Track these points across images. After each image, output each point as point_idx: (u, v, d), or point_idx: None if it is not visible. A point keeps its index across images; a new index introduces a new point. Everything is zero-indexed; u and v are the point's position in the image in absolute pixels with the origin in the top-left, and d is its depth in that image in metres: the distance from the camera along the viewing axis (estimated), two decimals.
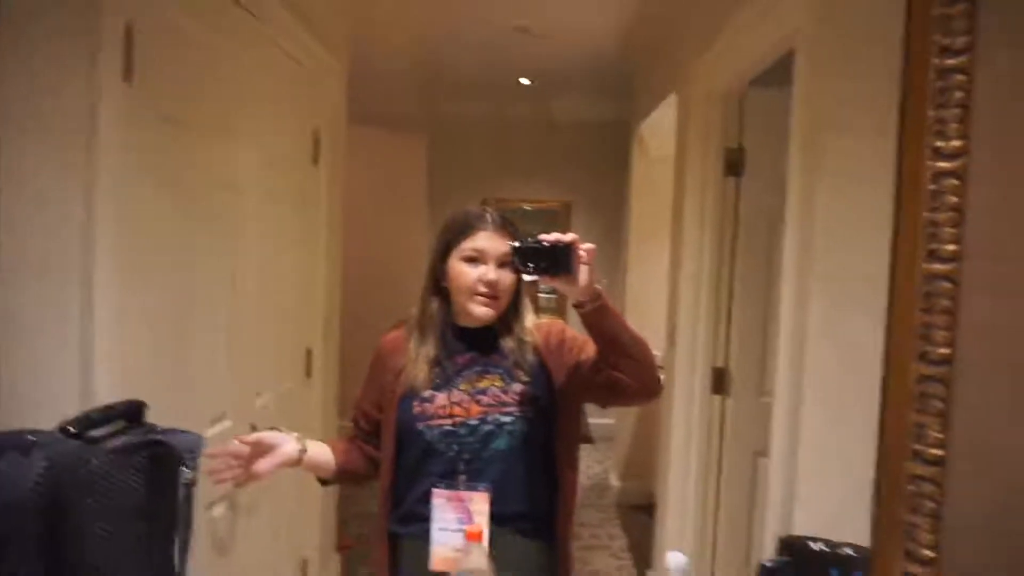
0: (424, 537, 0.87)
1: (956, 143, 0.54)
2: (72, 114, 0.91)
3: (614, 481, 3.29)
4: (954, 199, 0.53)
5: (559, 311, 3.34)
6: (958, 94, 0.54)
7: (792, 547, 0.85)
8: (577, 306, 0.85)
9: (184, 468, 0.84)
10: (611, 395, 0.88)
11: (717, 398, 2.00)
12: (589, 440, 3.69)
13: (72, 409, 0.78)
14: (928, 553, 0.55)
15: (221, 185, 1.34)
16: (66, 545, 0.72)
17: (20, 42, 0.84)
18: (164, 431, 0.85)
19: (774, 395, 1.28)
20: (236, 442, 0.89)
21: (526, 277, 0.86)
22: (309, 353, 2.01)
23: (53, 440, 0.72)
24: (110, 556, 0.76)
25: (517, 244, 0.85)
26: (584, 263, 0.82)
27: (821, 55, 1.09)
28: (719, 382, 1.99)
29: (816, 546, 0.82)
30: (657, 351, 1.60)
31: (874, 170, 0.84)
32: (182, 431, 0.87)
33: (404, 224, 3.13)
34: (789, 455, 1.13)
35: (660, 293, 2.48)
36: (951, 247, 0.53)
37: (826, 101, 1.06)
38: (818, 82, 1.09)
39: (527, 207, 3.48)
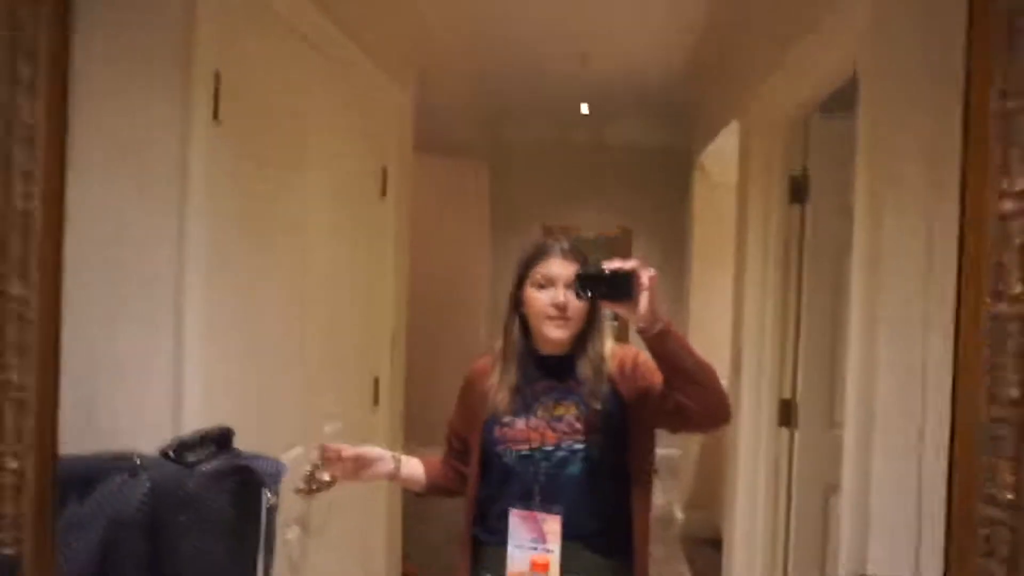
0: (504, 545, 0.94)
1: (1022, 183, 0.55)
2: (165, 160, 1.00)
3: (679, 513, 3.24)
4: (1020, 240, 0.54)
5: (621, 337, 3.34)
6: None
7: None
8: (640, 332, 0.88)
9: (267, 492, 0.91)
10: (679, 421, 0.92)
11: (784, 430, 1.97)
12: (654, 471, 3.63)
13: (165, 435, 0.86)
14: None
15: (294, 219, 1.43)
16: (163, 559, 0.79)
17: (114, 92, 0.93)
18: (249, 457, 0.92)
19: (844, 427, 1.26)
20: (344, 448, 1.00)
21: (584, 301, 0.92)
22: (376, 381, 2.08)
23: (155, 463, 0.79)
24: (200, 571, 0.83)
25: (579, 271, 0.91)
26: (645, 289, 0.85)
27: (882, 82, 1.09)
28: (786, 414, 1.96)
29: None
30: (723, 379, 1.60)
31: (941, 201, 0.84)
32: (265, 457, 0.94)
33: (467, 251, 3.21)
34: (861, 490, 1.11)
35: (724, 321, 2.46)
36: (1018, 288, 0.54)
37: (890, 128, 1.06)
38: (881, 109, 1.09)
39: (588, 235, 3.52)
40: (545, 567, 0.86)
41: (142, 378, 0.98)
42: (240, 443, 0.91)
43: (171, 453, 0.82)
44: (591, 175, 3.46)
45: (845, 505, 1.23)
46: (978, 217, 0.58)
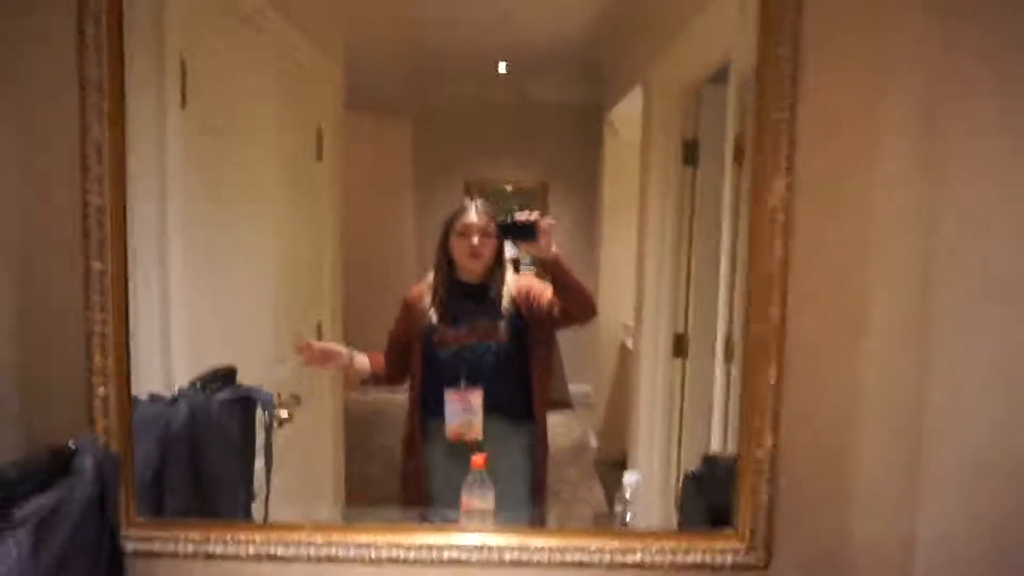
0: (443, 417, 1.36)
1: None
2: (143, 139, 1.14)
3: (592, 441, 3.71)
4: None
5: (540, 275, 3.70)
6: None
7: (709, 461, 1.25)
8: (540, 261, 1.35)
9: (267, 414, 1.21)
10: (565, 319, 1.38)
11: (678, 361, 2.40)
12: (568, 405, 4.09)
13: (155, 371, 1.10)
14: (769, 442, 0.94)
15: (250, 183, 1.68)
16: (196, 462, 1.09)
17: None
18: (249, 388, 1.22)
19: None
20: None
21: (508, 244, 1.39)
22: (320, 325, 2.37)
23: (190, 393, 1.08)
24: (222, 472, 1.13)
25: (500, 222, 1.36)
26: (543, 232, 1.31)
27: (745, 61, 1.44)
28: (679, 346, 2.38)
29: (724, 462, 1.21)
30: (629, 321, 2.01)
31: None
32: (259, 388, 1.24)
33: (392, 204, 3.43)
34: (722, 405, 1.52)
35: (630, 266, 2.86)
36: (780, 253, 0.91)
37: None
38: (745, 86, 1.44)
39: (507, 187, 3.81)
40: (472, 427, 1.32)
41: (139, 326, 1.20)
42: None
43: (199, 384, 1.11)
44: (510, 131, 3.73)
45: (716, 417, 1.64)
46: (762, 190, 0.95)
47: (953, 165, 0.94)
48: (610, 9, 2.91)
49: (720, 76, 2.12)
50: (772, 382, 0.98)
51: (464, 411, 1.33)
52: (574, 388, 3.64)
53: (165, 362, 1.28)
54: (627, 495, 1.50)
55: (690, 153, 2.27)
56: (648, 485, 2.42)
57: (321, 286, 2.33)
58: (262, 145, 1.82)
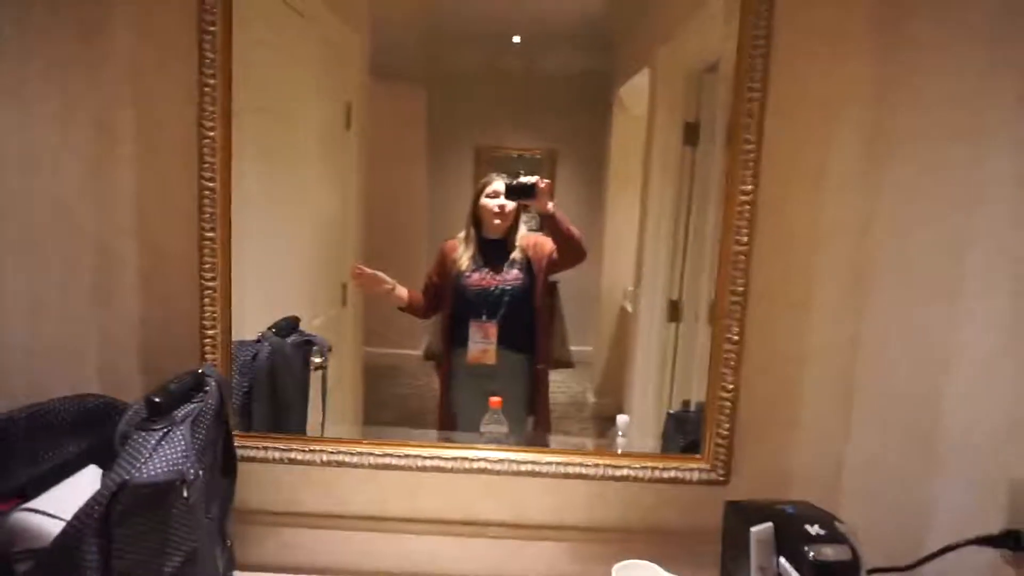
0: (466, 343, 1.70)
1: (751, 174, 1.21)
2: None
3: (591, 398, 4.07)
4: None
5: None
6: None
7: (686, 404, 1.57)
8: (540, 215, 1.71)
9: (323, 356, 1.53)
10: (561, 262, 1.73)
11: (672, 325, 2.71)
12: (570, 364, 4.43)
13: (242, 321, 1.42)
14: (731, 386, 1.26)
15: (294, 153, 1.96)
16: (275, 392, 1.41)
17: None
18: (310, 334, 1.54)
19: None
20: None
21: (510, 201, 1.77)
22: (344, 286, 2.68)
23: (270, 337, 1.40)
24: (291, 398, 1.46)
25: (506, 183, 1.75)
26: (541, 191, 1.70)
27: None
28: (674, 312, 2.69)
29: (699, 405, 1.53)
30: (629, 286, 2.32)
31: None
32: (318, 335, 1.56)
33: (406, 168, 3.71)
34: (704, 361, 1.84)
35: (632, 236, 3.15)
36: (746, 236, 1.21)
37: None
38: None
39: (519, 154, 4.08)
40: (487, 353, 1.67)
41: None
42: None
43: (274, 331, 1.42)
44: (522, 101, 3.99)
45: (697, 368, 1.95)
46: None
47: (891, 172, 1.25)
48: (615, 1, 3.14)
49: (717, 66, 2.39)
50: (735, 339, 1.30)
51: (483, 339, 1.70)
52: (575, 349, 3.98)
53: (239, 312, 1.60)
54: (619, 432, 1.82)
55: (691, 134, 2.54)
56: (640, 427, 2.74)
57: (345, 248, 2.63)
58: (300, 118, 2.10)
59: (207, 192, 1.23)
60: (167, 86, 1.26)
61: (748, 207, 1.27)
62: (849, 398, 1.34)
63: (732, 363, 1.31)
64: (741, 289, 1.29)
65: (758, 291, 1.32)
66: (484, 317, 1.72)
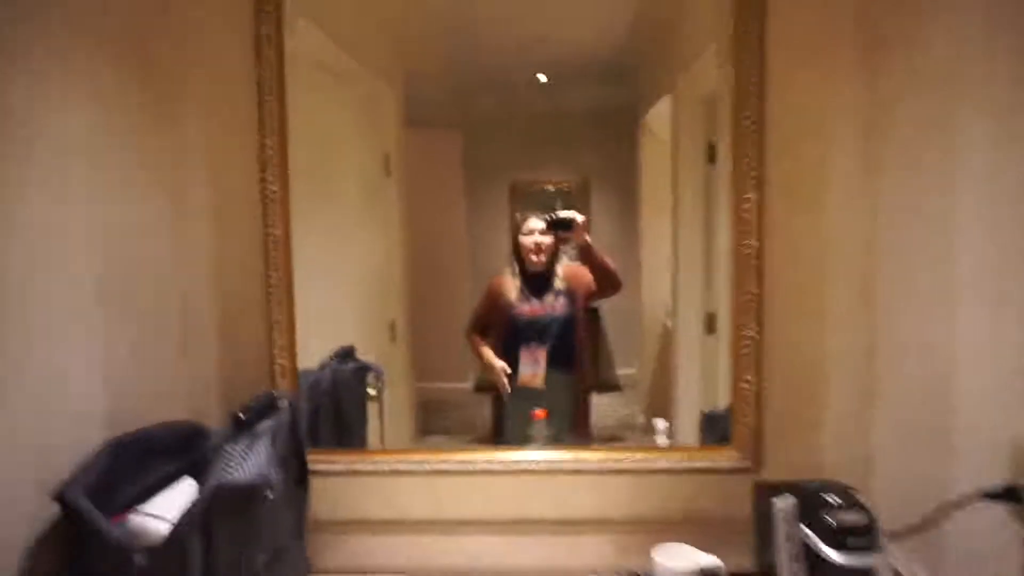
0: (517, 368, 1.83)
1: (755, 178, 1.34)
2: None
3: (640, 419, 4.14)
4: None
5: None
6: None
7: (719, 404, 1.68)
8: (577, 247, 1.84)
9: (378, 380, 1.70)
10: (598, 291, 1.85)
11: (710, 337, 2.80)
12: (617, 388, 4.50)
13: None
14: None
15: (341, 203, 2.15)
16: (337, 411, 1.58)
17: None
18: (368, 362, 1.71)
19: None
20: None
21: (551, 234, 1.91)
22: (393, 324, 2.86)
23: (330, 364, 1.58)
24: (352, 418, 1.62)
25: (547, 218, 1.88)
26: (578, 226, 1.84)
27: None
28: (710, 324, 2.79)
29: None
30: (666, 298, 2.43)
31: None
32: (375, 363, 1.73)
33: (445, 210, 3.91)
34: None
35: (667, 253, 3.25)
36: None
37: None
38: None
39: (551, 188, 4.26)
40: (537, 377, 1.80)
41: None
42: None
43: (333, 358, 1.60)
44: (553, 136, 4.17)
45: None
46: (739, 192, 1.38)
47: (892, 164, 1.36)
48: (636, 34, 3.33)
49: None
50: (753, 335, 1.42)
51: (533, 364, 1.83)
52: (622, 372, 4.07)
53: (303, 345, 1.79)
54: (657, 434, 1.94)
55: (713, 154, 2.67)
56: (682, 431, 2.81)
57: (391, 288, 2.83)
58: (345, 168, 2.31)
59: (272, 238, 1.43)
60: (234, 155, 1.47)
61: (748, 215, 1.40)
62: (870, 394, 1.44)
63: (751, 357, 1.42)
64: (756, 291, 1.41)
65: (772, 296, 1.44)
66: (534, 343, 1.85)
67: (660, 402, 3.92)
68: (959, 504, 1.09)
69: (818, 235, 1.44)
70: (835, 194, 1.42)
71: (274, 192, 1.43)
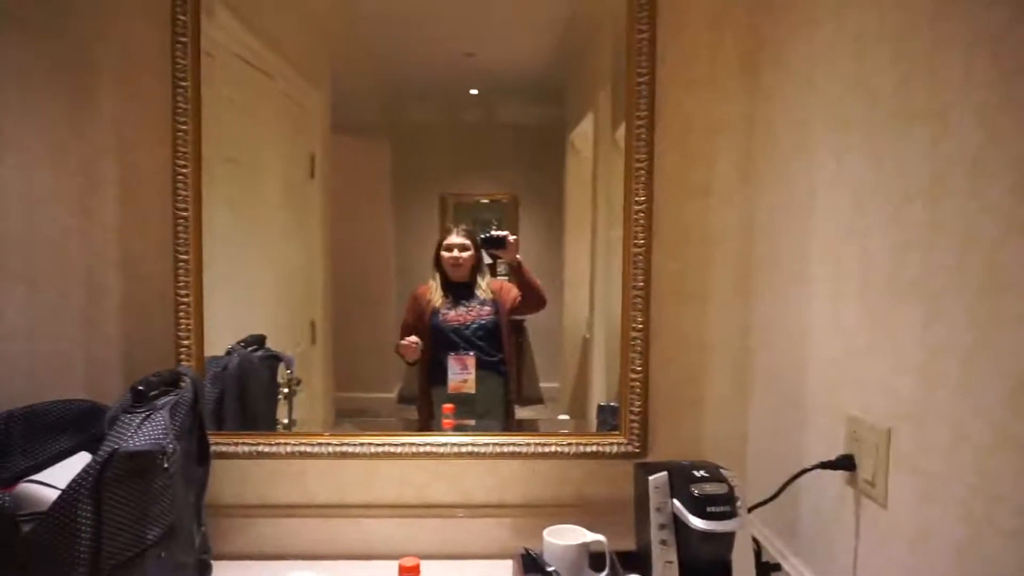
0: (446, 378, 1.87)
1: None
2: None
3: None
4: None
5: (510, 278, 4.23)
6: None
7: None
8: (509, 265, 1.90)
9: (288, 369, 1.74)
10: (523, 307, 1.92)
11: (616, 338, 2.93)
12: (540, 401, 4.63)
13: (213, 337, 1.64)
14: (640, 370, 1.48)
15: (260, 199, 2.19)
16: (243, 397, 1.61)
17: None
18: (276, 351, 1.75)
19: None
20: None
21: (486, 255, 1.94)
22: (313, 324, 2.89)
23: (238, 350, 1.61)
24: (257, 404, 1.66)
25: (482, 237, 1.94)
26: (510, 244, 1.91)
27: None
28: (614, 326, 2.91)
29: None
30: (584, 307, 2.54)
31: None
32: (284, 352, 1.77)
33: (372, 218, 3.96)
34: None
35: (587, 267, 3.38)
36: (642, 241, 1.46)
37: None
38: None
39: (483, 200, 4.37)
40: (467, 383, 1.83)
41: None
42: None
43: (243, 345, 1.64)
44: (483, 149, 4.28)
45: None
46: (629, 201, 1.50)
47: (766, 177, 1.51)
48: (562, 53, 3.48)
49: None
50: (639, 327, 1.53)
51: (462, 370, 1.89)
52: (545, 385, 4.19)
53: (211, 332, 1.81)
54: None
55: None
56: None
57: (312, 289, 2.86)
58: (267, 162, 2.34)
59: (181, 221, 1.47)
60: (146, 133, 1.51)
61: (642, 214, 1.52)
62: (744, 374, 1.57)
63: (638, 347, 1.54)
64: (641, 285, 1.53)
65: (660, 288, 1.56)
66: (462, 350, 1.91)
67: (578, 406, 4.04)
68: (804, 474, 1.21)
69: (702, 228, 1.58)
70: (717, 191, 1.56)
71: (185, 174, 1.47)
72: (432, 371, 1.94)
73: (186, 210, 1.47)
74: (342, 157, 3.30)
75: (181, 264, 1.48)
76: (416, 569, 1.21)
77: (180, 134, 1.46)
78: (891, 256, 1.01)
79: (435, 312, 1.96)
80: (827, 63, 1.23)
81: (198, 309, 1.50)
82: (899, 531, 1.00)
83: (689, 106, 1.56)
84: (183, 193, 1.47)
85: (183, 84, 1.47)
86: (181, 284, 1.48)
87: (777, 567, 1.35)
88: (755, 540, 1.42)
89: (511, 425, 1.96)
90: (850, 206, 1.14)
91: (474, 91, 3.84)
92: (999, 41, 0.80)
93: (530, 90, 3.94)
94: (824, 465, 1.17)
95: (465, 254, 1.96)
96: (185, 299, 1.49)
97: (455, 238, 1.99)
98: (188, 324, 1.49)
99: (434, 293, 1.97)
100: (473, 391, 1.86)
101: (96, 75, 1.51)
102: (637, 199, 1.52)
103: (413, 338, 1.93)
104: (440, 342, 1.93)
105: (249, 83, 2.18)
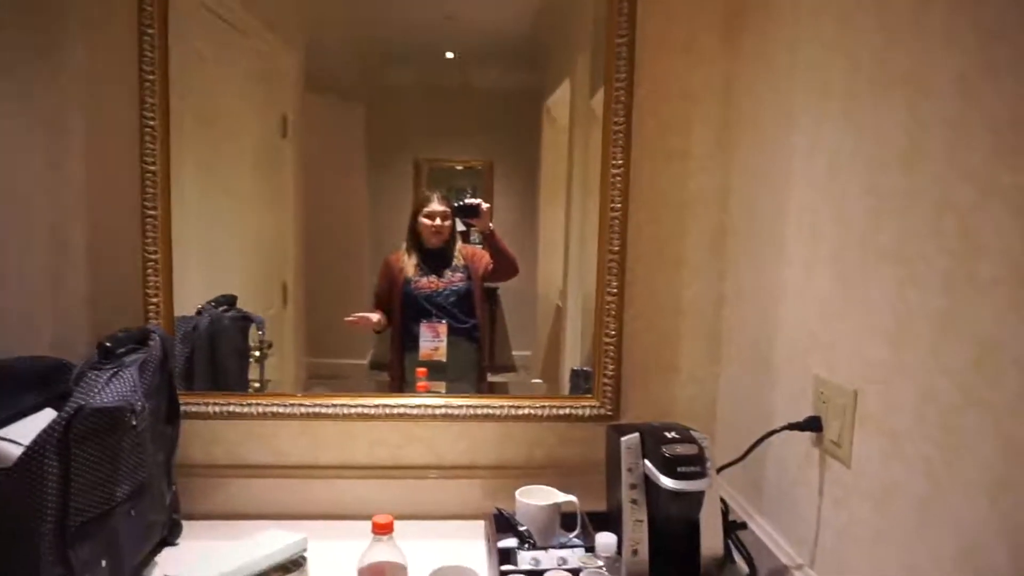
0: (418, 345, 1.86)
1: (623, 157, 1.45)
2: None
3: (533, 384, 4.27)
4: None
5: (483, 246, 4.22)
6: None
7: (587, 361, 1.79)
8: (481, 233, 1.87)
9: (259, 331, 1.72)
10: (495, 274, 1.90)
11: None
12: (513, 369, 4.65)
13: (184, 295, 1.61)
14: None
15: (231, 157, 2.13)
16: (213, 357, 1.59)
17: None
18: (247, 312, 1.72)
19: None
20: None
21: (459, 222, 1.91)
22: (285, 286, 2.85)
23: (209, 310, 1.58)
24: (229, 364, 1.63)
25: (456, 204, 1.90)
26: (483, 212, 1.87)
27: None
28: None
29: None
30: (558, 276, 2.54)
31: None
32: (254, 313, 1.74)
33: (346, 181, 3.91)
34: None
35: (561, 235, 3.38)
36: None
37: None
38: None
39: (458, 167, 4.32)
40: (438, 350, 1.82)
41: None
42: None
43: (213, 304, 1.61)
44: (459, 114, 4.24)
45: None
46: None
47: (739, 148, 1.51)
48: (542, 17, 3.43)
49: None
50: (614, 291, 1.53)
51: (434, 338, 1.88)
52: (517, 353, 4.21)
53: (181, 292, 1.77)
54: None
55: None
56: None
57: (284, 250, 2.81)
58: (238, 120, 2.28)
59: (148, 174, 1.42)
60: (113, 86, 1.46)
61: (619, 179, 1.51)
62: (717, 340, 1.59)
63: (613, 312, 1.54)
64: (617, 249, 1.53)
65: (635, 253, 1.56)
66: (434, 318, 1.90)
67: (550, 373, 4.06)
68: (772, 435, 1.23)
69: (679, 194, 1.57)
70: (694, 157, 1.56)
71: (152, 127, 1.42)
72: (404, 338, 1.93)
73: (153, 163, 1.43)
74: (316, 118, 3.24)
75: (149, 219, 1.44)
76: (390, 525, 1.21)
77: (147, 84, 1.41)
78: (866, 221, 1.02)
79: (407, 280, 1.94)
80: (811, 28, 1.22)
81: (167, 265, 1.46)
82: (863, 489, 1.02)
83: (668, 69, 1.55)
84: (151, 147, 1.42)
85: (149, 32, 1.42)
86: (149, 240, 1.45)
87: (743, 526, 1.38)
88: (723, 500, 1.45)
89: (483, 389, 1.96)
90: (826, 171, 1.15)
91: (450, 55, 3.78)
92: (980, 4, 0.79)
93: (508, 55, 3.90)
94: (791, 427, 1.19)
95: (447, 222, 1.94)
96: (153, 256, 1.45)
97: (436, 205, 1.96)
98: (156, 281, 1.45)
99: (407, 260, 1.94)
100: (444, 359, 1.86)
101: (64, 21, 1.45)
102: (615, 163, 1.51)
103: (362, 314, 1.91)
104: (412, 309, 1.92)
105: (220, 38, 2.11)
